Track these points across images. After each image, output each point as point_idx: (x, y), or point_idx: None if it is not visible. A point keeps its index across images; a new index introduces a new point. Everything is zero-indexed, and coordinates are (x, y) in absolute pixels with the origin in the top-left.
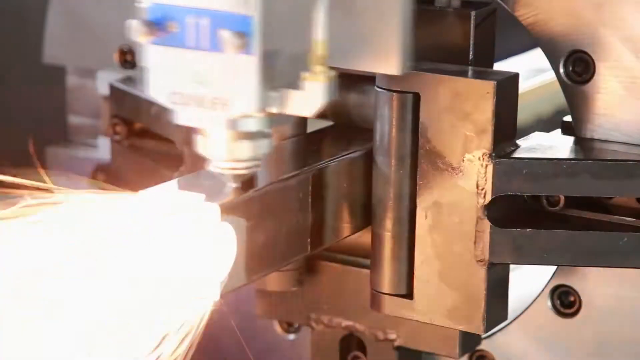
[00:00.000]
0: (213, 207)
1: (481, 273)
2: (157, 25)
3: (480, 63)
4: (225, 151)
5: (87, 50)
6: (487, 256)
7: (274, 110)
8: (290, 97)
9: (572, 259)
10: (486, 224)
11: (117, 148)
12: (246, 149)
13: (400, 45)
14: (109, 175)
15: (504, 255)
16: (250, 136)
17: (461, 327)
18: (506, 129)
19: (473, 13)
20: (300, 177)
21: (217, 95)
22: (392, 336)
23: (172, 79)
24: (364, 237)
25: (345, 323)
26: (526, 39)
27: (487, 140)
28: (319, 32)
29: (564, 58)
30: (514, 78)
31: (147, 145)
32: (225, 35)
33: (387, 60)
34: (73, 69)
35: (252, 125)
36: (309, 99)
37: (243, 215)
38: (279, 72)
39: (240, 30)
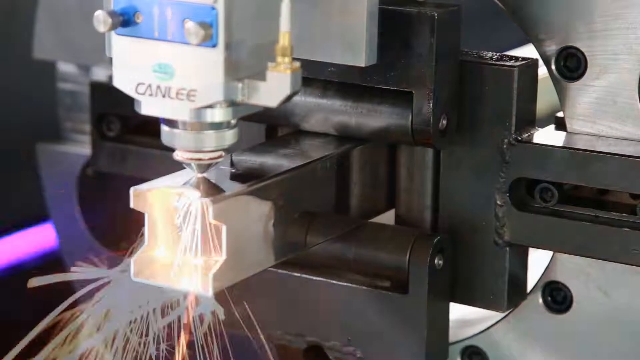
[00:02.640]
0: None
1: (501, 253)
2: (122, 15)
3: None
4: (190, 141)
5: (77, 45)
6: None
7: (238, 100)
8: (255, 88)
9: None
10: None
11: (108, 144)
12: (210, 139)
13: (366, 36)
14: (99, 172)
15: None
16: (215, 126)
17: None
18: (526, 114)
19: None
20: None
21: (182, 86)
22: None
23: (137, 70)
24: (319, 251)
25: (308, 338)
26: (518, 34)
27: (509, 124)
28: (284, 23)
29: (555, 54)
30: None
31: (142, 141)
32: (190, 25)
33: (352, 51)
34: (64, 64)
35: (217, 116)
36: (274, 89)
37: (235, 212)
38: (243, 63)
39: (204, 20)
